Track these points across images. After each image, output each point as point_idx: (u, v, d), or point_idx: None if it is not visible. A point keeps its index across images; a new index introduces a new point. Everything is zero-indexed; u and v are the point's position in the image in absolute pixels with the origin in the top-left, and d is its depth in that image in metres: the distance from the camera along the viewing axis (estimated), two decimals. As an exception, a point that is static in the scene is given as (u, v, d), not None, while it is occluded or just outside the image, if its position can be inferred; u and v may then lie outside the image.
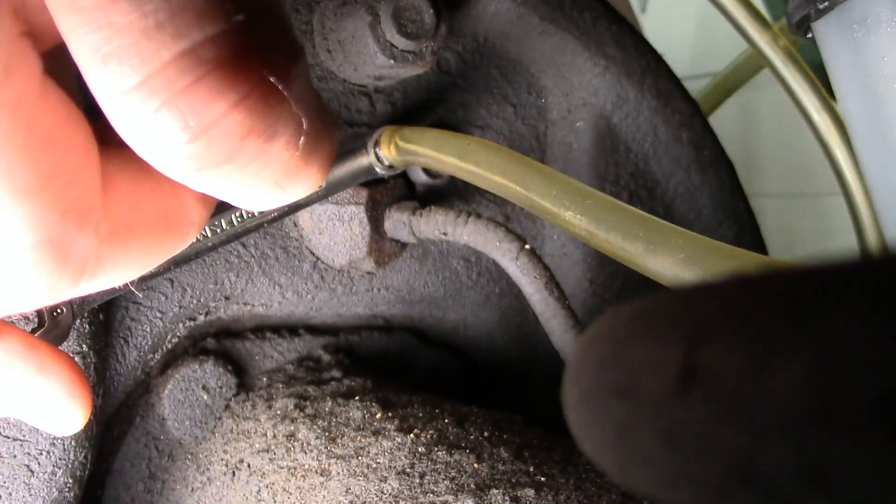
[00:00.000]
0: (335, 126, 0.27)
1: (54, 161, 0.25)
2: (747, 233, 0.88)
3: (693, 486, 0.16)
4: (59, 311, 0.50)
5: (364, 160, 0.67)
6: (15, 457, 0.62)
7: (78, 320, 0.63)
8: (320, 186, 0.65)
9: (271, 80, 0.23)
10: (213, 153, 0.23)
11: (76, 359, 0.63)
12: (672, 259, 0.42)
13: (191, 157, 0.23)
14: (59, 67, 0.25)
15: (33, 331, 0.38)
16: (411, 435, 0.59)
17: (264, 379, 0.75)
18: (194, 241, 0.61)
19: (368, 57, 0.68)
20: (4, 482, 0.62)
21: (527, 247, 0.64)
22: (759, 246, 0.89)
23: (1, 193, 0.24)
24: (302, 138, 0.24)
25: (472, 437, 0.58)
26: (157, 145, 0.23)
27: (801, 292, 0.14)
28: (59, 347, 0.37)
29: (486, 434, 0.59)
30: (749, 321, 0.15)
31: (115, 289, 0.52)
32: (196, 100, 0.22)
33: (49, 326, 0.48)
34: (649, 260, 0.44)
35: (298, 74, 0.24)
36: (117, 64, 0.22)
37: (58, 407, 0.31)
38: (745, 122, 1.80)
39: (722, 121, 1.34)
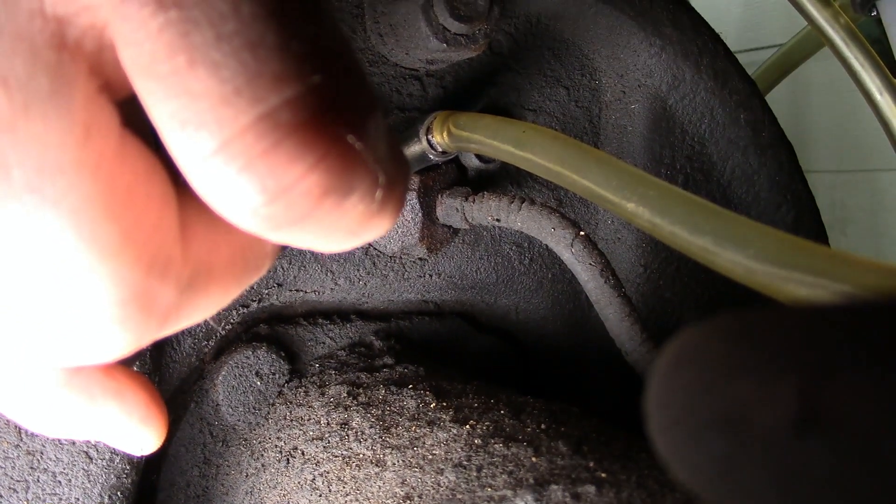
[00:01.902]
0: (408, 166, 0.27)
1: (135, 216, 0.25)
2: (806, 216, 0.86)
3: (812, 531, 0.15)
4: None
5: (416, 147, 0.66)
6: (74, 443, 0.63)
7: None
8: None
9: (349, 138, 0.23)
10: (291, 213, 0.23)
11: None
12: (742, 254, 0.41)
13: (268, 218, 0.23)
14: (133, 111, 0.25)
15: None
16: (467, 426, 0.58)
17: (316, 365, 0.75)
18: None
19: (421, 41, 0.67)
20: (64, 469, 0.63)
21: (581, 233, 0.62)
22: (818, 229, 0.87)
23: (85, 255, 0.24)
24: (378, 191, 0.24)
25: (528, 429, 0.58)
26: (235, 207, 0.23)
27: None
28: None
29: (543, 426, 0.58)
30: (882, 359, 0.14)
31: None
32: (274, 163, 0.22)
33: None
34: (717, 254, 0.43)
35: (375, 127, 0.24)
36: (195, 130, 0.22)
37: (134, 430, 0.31)
38: (794, 96, 1.76)
39: (771, 95, 1.31)
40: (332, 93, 0.23)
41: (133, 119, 0.25)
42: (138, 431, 0.32)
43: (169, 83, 0.22)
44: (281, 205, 0.23)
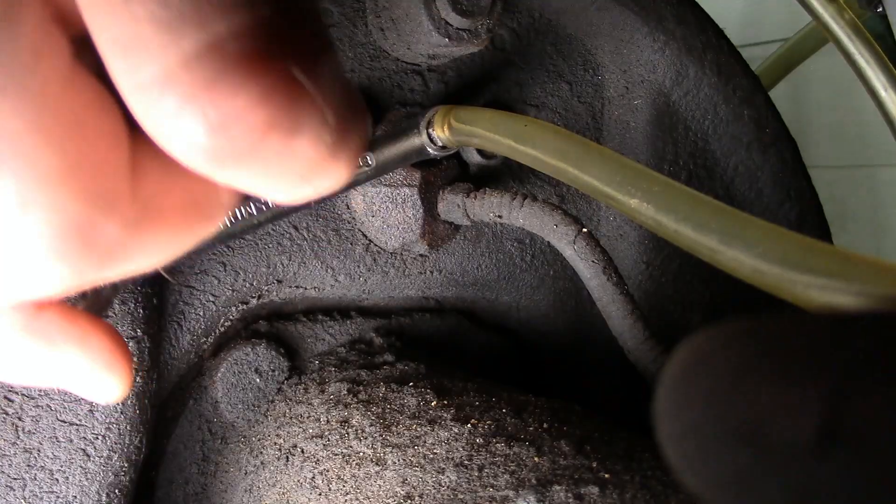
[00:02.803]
0: (366, 117, 0.26)
1: (82, 148, 0.24)
2: (810, 213, 0.85)
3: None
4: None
5: (416, 140, 0.65)
6: (71, 441, 0.62)
7: (121, 293, 0.63)
8: (370, 166, 0.63)
9: (296, 75, 0.22)
10: (234, 148, 0.23)
11: (130, 344, 0.63)
12: (749, 254, 0.40)
13: (210, 151, 0.23)
14: (92, 53, 0.24)
15: (73, 302, 0.39)
16: (468, 425, 0.58)
17: (316, 362, 0.74)
18: (242, 218, 0.60)
19: (422, 35, 0.66)
20: (62, 466, 0.62)
21: (584, 230, 0.62)
22: (821, 227, 0.86)
23: (25, 181, 0.23)
24: (328, 134, 0.23)
25: (530, 428, 0.57)
26: (176, 138, 0.23)
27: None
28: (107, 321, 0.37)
29: (545, 425, 0.57)
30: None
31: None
32: (217, 94, 0.22)
33: (90, 298, 0.48)
34: (723, 253, 0.42)
35: (326, 68, 0.23)
36: (137, 56, 0.21)
37: (99, 377, 0.31)
38: (794, 91, 1.75)
39: (771, 90, 1.30)
40: (281, 27, 0.22)
41: (90, 59, 0.25)
42: (102, 378, 0.31)
43: (113, 7, 0.21)
44: (223, 138, 0.22)
